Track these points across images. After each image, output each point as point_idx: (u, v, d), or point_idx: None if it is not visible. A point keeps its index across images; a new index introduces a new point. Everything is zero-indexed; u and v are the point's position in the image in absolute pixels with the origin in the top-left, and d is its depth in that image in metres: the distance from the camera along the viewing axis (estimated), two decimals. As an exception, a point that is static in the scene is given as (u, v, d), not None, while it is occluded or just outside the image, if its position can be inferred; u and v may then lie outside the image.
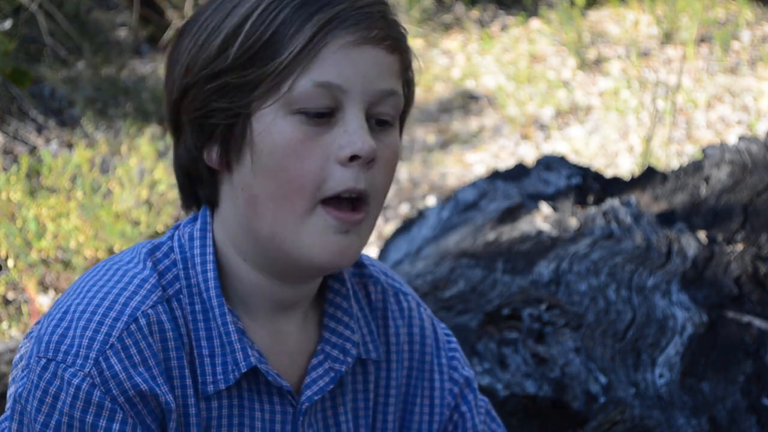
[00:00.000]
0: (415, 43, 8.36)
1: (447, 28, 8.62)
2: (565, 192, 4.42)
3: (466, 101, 7.62)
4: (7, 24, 7.40)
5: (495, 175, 4.78)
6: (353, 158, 1.52)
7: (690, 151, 6.54)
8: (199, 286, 1.58)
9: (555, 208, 4.24)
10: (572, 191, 4.40)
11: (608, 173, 5.24)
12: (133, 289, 1.54)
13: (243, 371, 1.58)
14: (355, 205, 1.54)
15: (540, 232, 4.04)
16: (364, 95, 1.53)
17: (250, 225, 1.56)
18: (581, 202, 4.33)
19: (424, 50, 8.33)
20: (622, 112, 7.13)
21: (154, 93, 7.55)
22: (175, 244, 1.60)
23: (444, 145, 7.04)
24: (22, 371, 1.55)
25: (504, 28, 8.57)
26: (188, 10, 8.19)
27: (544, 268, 3.72)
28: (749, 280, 3.57)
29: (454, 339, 1.77)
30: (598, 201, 4.30)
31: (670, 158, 6.40)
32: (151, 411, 1.52)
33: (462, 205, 4.62)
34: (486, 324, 3.30)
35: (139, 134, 6.84)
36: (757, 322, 3.39)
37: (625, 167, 6.46)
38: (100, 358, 1.49)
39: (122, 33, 8.84)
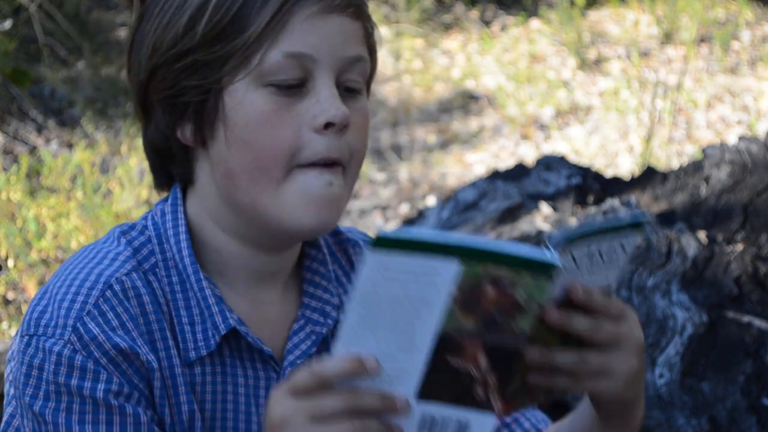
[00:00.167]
0: (415, 43, 8.36)
1: (447, 28, 8.62)
2: (565, 192, 4.42)
3: (466, 101, 7.62)
4: (7, 24, 7.40)
5: (495, 175, 4.78)
6: (328, 125, 1.55)
7: (690, 151, 6.54)
8: (174, 259, 1.60)
9: (555, 208, 4.24)
10: (572, 191, 4.40)
11: (608, 173, 5.24)
12: (107, 263, 1.57)
13: (222, 333, 1.59)
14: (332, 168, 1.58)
15: (540, 232, 4.04)
16: (333, 63, 1.55)
17: (230, 198, 1.58)
18: (581, 202, 4.33)
19: (424, 50, 8.33)
20: (622, 112, 7.13)
21: (154, 93, 7.53)
22: (149, 222, 1.63)
23: (444, 145, 7.04)
24: (14, 362, 1.58)
25: (504, 28, 8.57)
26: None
27: (544, 268, 3.72)
28: (749, 280, 3.57)
29: None
30: (598, 201, 4.30)
31: (670, 158, 6.40)
32: (137, 369, 1.54)
33: (462, 205, 4.62)
34: (486, 324, 3.30)
35: (139, 134, 6.84)
36: (757, 322, 3.39)
37: (625, 167, 6.46)
38: (78, 324, 1.52)
39: (122, 33, 8.84)
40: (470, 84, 7.83)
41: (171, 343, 1.58)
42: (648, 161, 6.24)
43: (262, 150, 1.54)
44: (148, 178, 6.00)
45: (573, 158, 5.86)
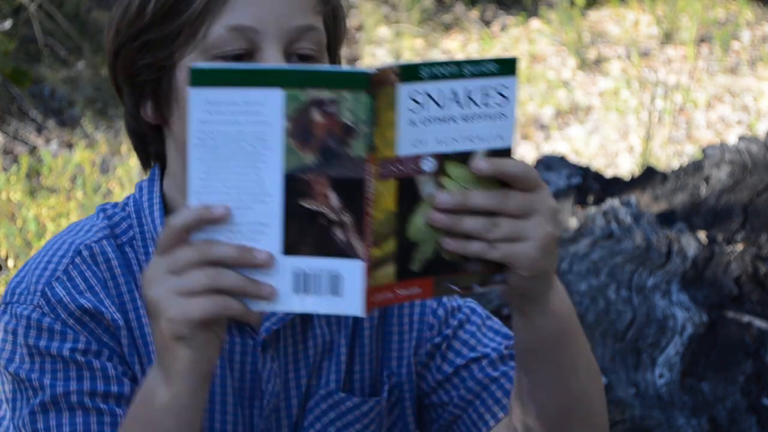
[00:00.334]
0: (415, 43, 8.36)
1: (447, 28, 8.62)
2: (565, 192, 4.42)
3: (466, 101, 7.62)
4: (7, 24, 7.40)
5: (495, 175, 4.78)
6: None
7: (690, 151, 6.54)
8: (151, 231, 1.64)
9: (555, 208, 4.24)
10: (572, 191, 4.41)
11: (608, 173, 5.24)
12: (81, 234, 1.64)
13: None
14: None
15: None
16: (279, 34, 1.55)
17: None
18: (581, 202, 4.33)
19: (424, 50, 8.33)
20: (622, 112, 7.13)
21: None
22: (130, 199, 1.68)
23: (444, 145, 7.04)
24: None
25: (504, 28, 8.57)
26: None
27: (544, 268, 3.72)
28: (749, 280, 3.57)
29: None
30: (598, 201, 4.30)
31: (670, 158, 6.40)
32: (106, 328, 1.59)
33: (462, 205, 4.61)
34: (486, 324, 3.30)
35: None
36: (757, 322, 3.39)
37: (625, 167, 6.46)
38: (46, 289, 1.58)
39: (122, 33, 8.84)
40: (470, 84, 7.83)
41: (141, 303, 1.61)
42: (648, 161, 6.24)
43: None
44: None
45: (573, 158, 5.86)
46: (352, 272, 1.35)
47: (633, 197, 4.11)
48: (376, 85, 1.34)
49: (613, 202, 4.07)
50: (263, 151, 1.34)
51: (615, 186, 4.48)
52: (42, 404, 1.56)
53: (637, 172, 5.47)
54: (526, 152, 6.85)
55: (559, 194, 4.42)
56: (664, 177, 4.36)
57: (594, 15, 8.52)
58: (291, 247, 1.36)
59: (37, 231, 5.51)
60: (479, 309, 1.76)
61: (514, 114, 1.43)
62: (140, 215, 1.65)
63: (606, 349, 3.39)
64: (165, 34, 1.56)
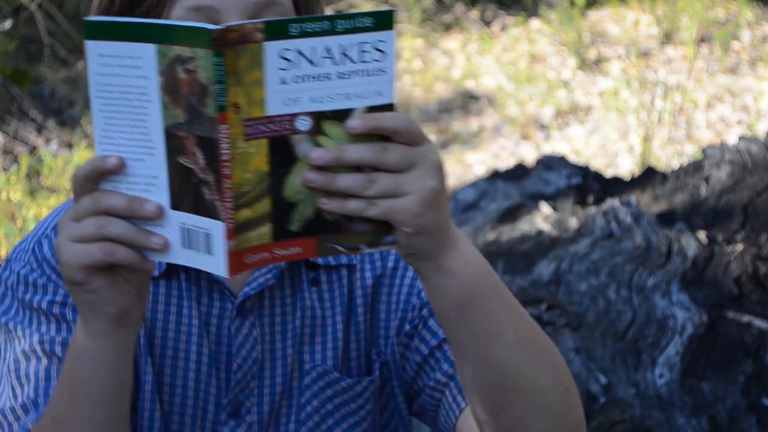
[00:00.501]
0: (415, 43, 8.36)
1: (447, 28, 8.62)
2: (565, 192, 4.42)
3: (466, 101, 7.62)
4: (7, 24, 7.40)
5: (495, 175, 4.79)
6: None
7: (690, 151, 6.54)
8: None
9: (555, 208, 4.24)
10: (572, 191, 4.41)
11: (608, 173, 5.24)
12: None
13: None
14: None
15: (540, 232, 4.04)
16: (239, 10, 1.55)
17: None
18: (581, 202, 4.33)
19: (424, 50, 8.33)
20: (622, 112, 7.13)
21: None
22: None
23: (444, 145, 7.04)
24: None
25: (504, 28, 8.57)
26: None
27: (544, 268, 3.72)
28: (749, 280, 3.57)
29: None
30: (598, 201, 4.30)
31: (670, 158, 6.41)
32: None
33: (462, 205, 4.62)
34: (486, 324, 3.30)
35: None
36: (757, 322, 3.39)
37: (625, 167, 6.46)
38: (35, 247, 1.67)
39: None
40: (470, 84, 7.83)
41: None
42: (648, 161, 6.25)
43: None
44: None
45: (573, 158, 5.86)
46: (217, 232, 1.36)
47: (633, 197, 4.11)
48: (234, 43, 1.32)
49: (613, 202, 4.07)
50: (146, 105, 1.37)
51: (615, 186, 4.48)
52: (23, 352, 1.62)
53: (637, 172, 5.47)
54: (526, 152, 6.85)
55: (559, 194, 4.42)
56: (664, 177, 4.36)
57: (594, 15, 8.52)
58: (176, 203, 1.38)
59: (37, 231, 5.50)
60: None
61: (393, 69, 1.37)
62: None
63: (606, 349, 3.39)
64: None
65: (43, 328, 1.64)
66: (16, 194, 5.93)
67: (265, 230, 1.37)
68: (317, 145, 1.36)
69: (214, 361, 1.67)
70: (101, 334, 1.45)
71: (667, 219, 4.02)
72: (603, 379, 3.30)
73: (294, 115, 1.36)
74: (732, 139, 6.16)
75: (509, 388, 1.49)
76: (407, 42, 8.30)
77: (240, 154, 1.34)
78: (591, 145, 6.88)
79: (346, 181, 1.36)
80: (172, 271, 1.67)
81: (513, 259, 3.87)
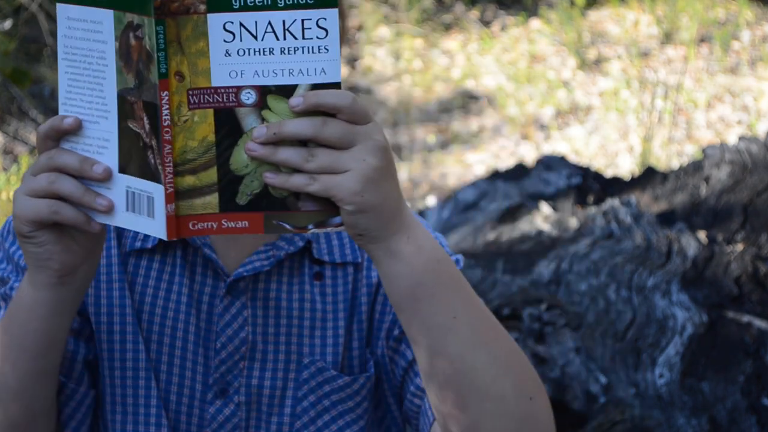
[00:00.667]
0: (415, 43, 8.36)
1: (447, 28, 8.62)
2: (565, 192, 4.42)
3: (466, 101, 7.62)
4: (7, 24, 7.40)
5: (495, 175, 4.78)
6: None
7: (690, 151, 6.54)
8: None
9: (555, 208, 4.24)
10: (572, 191, 4.41)
11: (608, 173, 5.24)
12: None
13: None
14: None
15: (540, 232, 4.04)
16: None
17: None
18: (581, 202, 4.33)
19: (424, 50, 8.33)
20: (622, 112, 7.13)
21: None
22: None
23: (444, 145, 7.04)
24: None
25: (504, 28, 8.57)
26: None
27: (544, 268, 3.72)
28: (749, 280, 3.57)
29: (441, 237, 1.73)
30: (598, 201, 4.30)
31: (670, 158, 6.40)
32: None
33: (462, 205, 4.62)
34: (486, 324, 3.30)
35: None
36: (757, 322, 3.39)
37: (625, 167, 6.46)
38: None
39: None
40: (470, 84, 7.83)
41: (113, 237, 1.68)
42: (648, 161, 6.25)
43: None
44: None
45: (573, 158, 5.86)
46: (159, 196, 1.38)
47: (633, 197, 4.11)
48: (176, 13, 1.35)
49: (613, 202, 4.07)
50: (103, 68, 1.41)
51: (615, 186, 4.48)
52: (3, 295, 1.67)
53: (637, 172, 5.47)
54: (526, 152, 6.85)
55: (559, 194, 4.42)
56: (664, 177, 4.36)
57: (594, 15, 8.52)
58: (123, 166, 1.41)
59: (37, 231, 5.50)
60: None
61: (337, 48, 1.38)
62: None
63: (606, 349, 3.39)
64: None
65: (18, 278, 1.68)
66: (16, 194, 5.92)
67: (211, 199, 1.39)
68: (263, 120, 1.38)
69: (204, 339, 1.67)
70: (41, 286, 1.49)
71: (667, 219, 4.02)
72: (603, 379, 3.30)
73: (239, 88, 1.37)
74: (732, 139, 6.16)
75: (465, 387, 1.47)
76: (407, 42, 8.30)
77: (183, 121, 1.37)
78: (591, 145, 6.88)
79: (286, 153, 1.37)
80: (168, 246, 1.68)
81: (513, 259, 3.87)
